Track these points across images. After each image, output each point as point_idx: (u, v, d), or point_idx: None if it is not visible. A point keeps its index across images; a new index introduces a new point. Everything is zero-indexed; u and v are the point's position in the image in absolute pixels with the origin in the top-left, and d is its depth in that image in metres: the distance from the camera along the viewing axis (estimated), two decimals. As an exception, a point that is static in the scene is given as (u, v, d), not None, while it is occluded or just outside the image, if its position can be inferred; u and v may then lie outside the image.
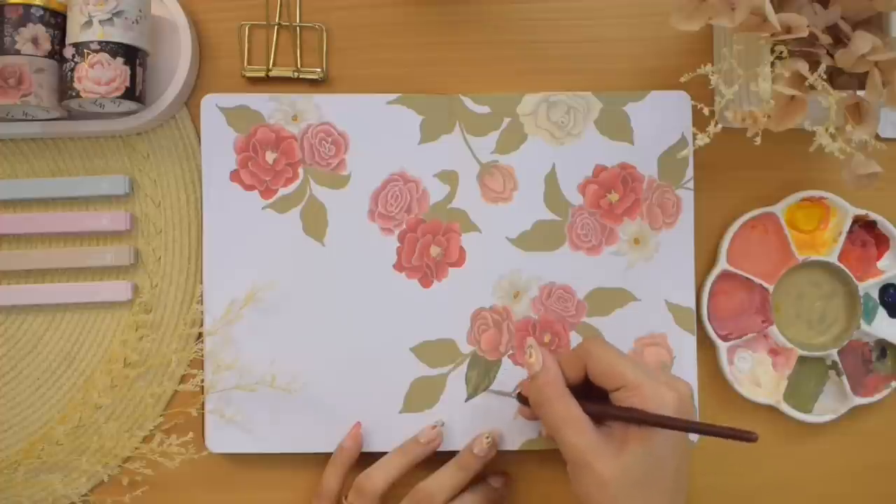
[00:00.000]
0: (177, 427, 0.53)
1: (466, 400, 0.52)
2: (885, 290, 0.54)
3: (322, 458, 0.52)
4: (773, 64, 0.44)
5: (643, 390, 0.43)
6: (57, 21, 0.49)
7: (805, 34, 0.42)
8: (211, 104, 0.52)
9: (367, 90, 0.54)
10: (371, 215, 0.53)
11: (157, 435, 0.52)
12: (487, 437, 0.50)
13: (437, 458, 0.51)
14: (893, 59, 0.42)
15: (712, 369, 0.54)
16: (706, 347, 0.53)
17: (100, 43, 0.47)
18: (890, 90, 0.42)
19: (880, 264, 0.54)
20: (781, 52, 0.44)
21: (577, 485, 0.44)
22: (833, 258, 0.53)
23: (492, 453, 0.50)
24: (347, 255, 0.52)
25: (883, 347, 0.55)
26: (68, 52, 0.48)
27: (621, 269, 0.53)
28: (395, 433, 0.52)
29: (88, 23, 0.47)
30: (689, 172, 0.53)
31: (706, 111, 0.45)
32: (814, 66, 0.43)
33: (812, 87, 0.43)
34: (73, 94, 0.47)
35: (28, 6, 0.48)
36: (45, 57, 0.48)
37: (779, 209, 0.53)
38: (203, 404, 0.52)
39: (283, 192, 0.53)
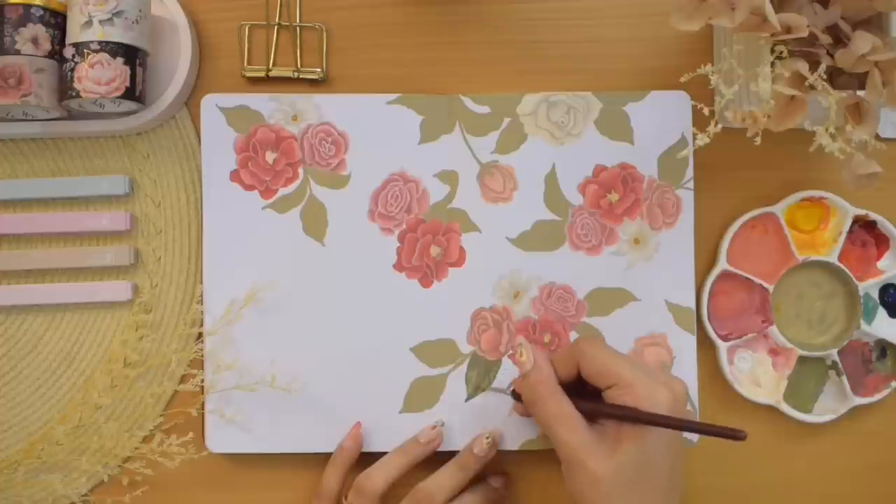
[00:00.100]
0: (177, 427, 0.53)
1: (466, 400, 0.52)
2: (885, 290, 0.54)
3: (322, 458, 0.52)
4: (773, 64, 0.44)
5: (636, 388, 0.43)
6: (57, 21, 0.49)
7: (805, 34, 0.42)
8: (211, 104, 0.52)
9: (367, 90, 0.54)
10: (371, 215, 0.53)
11: (157, 435, 0.52)
12: (487, 438, 0.50)
13: (437, 458, 0.51)
14: (893, 59, 0.42)
15: (712, 369, 0.54)
16: (706, 347, 0.53)
17: (100, 43, 0.47)
18: (890, 90, 0.42)
19: (880, 264, 0.54)
20: (781, 52, 0.44)
21: (570, 483, 0.44)
22: (833, 258, 0.53)
23: (492, 453, 0.50)
24: (347, 255, 0.52)
25: (883, 347, 0.55)
26: (68, 52, 0.48)
27: (621, 269, 0.53)
28: (395, 433, 0.52)
29: (88, 23, 0.47)
30: (689, 172, 0.53)
31: (706, 111, 0.45)
32: (814, 66, 0.43)
33: (812, 87, 0.43)
34: (73, 94, 0.47)
35: (28, 6, 0.48)
36: (45, 57, 0.48)
37: (779, 209, 0.53)
38: (203, 404, 0.52)
39: (283, 192, 0.53)
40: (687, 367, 0.53)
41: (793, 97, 0.43)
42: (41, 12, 0.48)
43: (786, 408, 0.53)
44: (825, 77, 0.43)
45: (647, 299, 0.53)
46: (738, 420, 0.54)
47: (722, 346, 0.53)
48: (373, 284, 0.52)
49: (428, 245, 0.53)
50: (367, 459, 0.51)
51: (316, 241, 0.53)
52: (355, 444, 0.51)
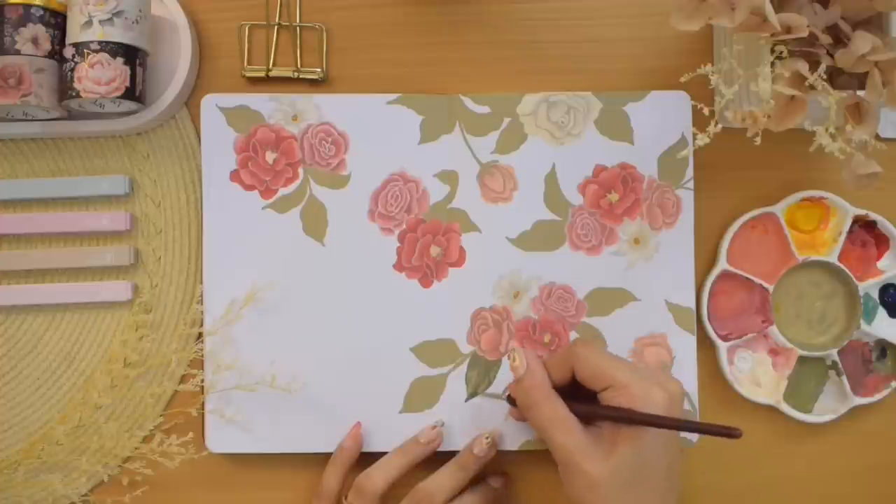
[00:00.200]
0: (177, 427, 0.53)
1: (466, 400, 0.52)
2: (885, 290, 0.54)
3: (322, 458, 0.52)
4: (773, 64, 0.44)
5: (631, 389, 0.43)
6: (57, 21, 0.49)
7: (805, 34, 0.42)
8: (211, 104, 0.52)
9: (367, 90, 0.54)
10: (371, 215, 0.53)
11: (157, 435, 0.52)
12: (487, 438, 0.50)
13: (437, 459, 0.51)
14: (893, 59, 0.42)
15: (712, 369, 0.54)
16: (706, 347, 0.53)
17: (100, 43, 0.47)
18: (890, 90, 0.42)
19: (880, 264, 0.54)
20: (781, 52, 0.44)
21: (567, 486, 0.44)
22: (833, 258, 0.53)
23: (491, 454, 0.50)
24: (347, 255, 0.52)
25: (883, 347, 0.55)
26: (68, 52, 0.48)
27: (621, 269, 0.53)
28: (395, 433, 0.52)
29: (88, 23, 0.47)
30: (689, 172, 0.53)
31: (706, 111, 0.45)
32: (814, 66, 0.43)
33: (812, 87, 0.43)
34: (73, 94, 0.47)
35: (28, 6, 0.48)
36: (45, 57, 0.48)
37: (779, 209, 0.53)
38: (203, 404, 0.52)
39: (283, 192, 0.53)
40: (687, 367, 0.53)
41: (793, 97, 0.43)
42: (41, 12, 0.48)
43: (786, 408, 0.53)
44: (825, 77, 0.43)
45: (647, 299, 0.53)
46: (738, 420, 0.54)
47: (722, 346, 0.53)
48: (373, 284, 0.52)
49: (428, 245, 0.53)
50: (367, 459, 0.51)
51: (316, 241, 0.53)
52: (355, 444, 0.51)
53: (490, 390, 0.52)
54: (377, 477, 0.49)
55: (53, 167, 0.54)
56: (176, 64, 0.52)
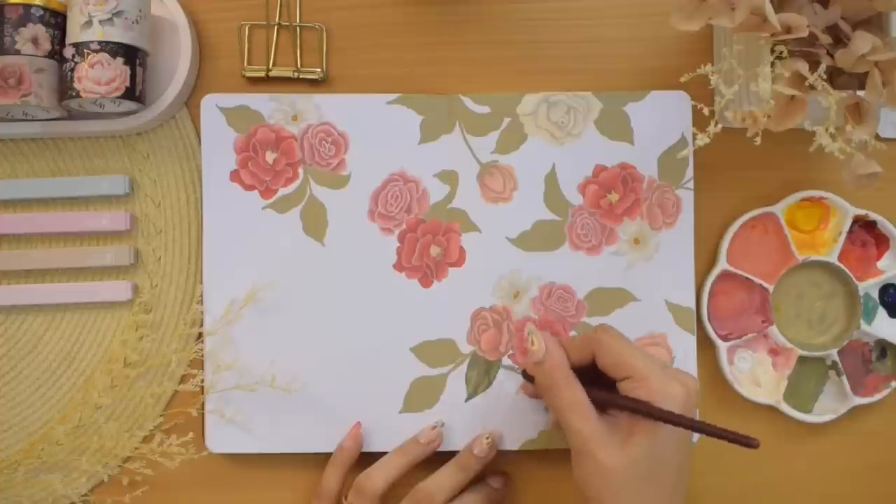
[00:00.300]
0: (177, 427, 0.53)
1: (466, 400, 0.52)
2: (885, 290, 0.54)
3: (322, 458, 0.52)
4: (773, 64, 0.44)
5: (650, 382, 0.43)
6: (57, 21, 0.49)
7: (805, 34, 0.42)
8: (211, 104, 0.52)
9: (367, 90, 0.54)
10: (371, 215, 0.53)
11: (157, 435, 0.52)
12: (487, 438, 0.50)
13: (437, 459, 0.51)
14: (893, 59, 0.42)
15: (712, 369, 0.54)
16: (706, 347, 0.53)
17: (100, 43, 0.47)
18: (890, 90, 0.42)
19: (880, 264, 0.54)
20: (781, 52, 0.44)
21: (578, 471, 0.44)
22: (833, 258, 0.53)
23: (492, 454, 0.50)
24: (347, 255, 0.52)
25: (883, 347, 0.55)
26: (68, 52, 0.48)
27: (621, 269, 0.53)
28: (395, 433, 0.52)
29: (88, 23, 0.47)
30: (689, 172, 0.53)
31: (706, 111, 0.45)
32: (814, 66, 0.43)
33: (812, 87, 0.43)
34: (73, 94, 0.47)
35: (28, 6, 0.48)
36: (45, 57, 0.48)
37: (779, 209, 0.53)
38: (203, 404, 0.52)
39: (283, 192, 0.53)
40: (687, 368, 0.53)
41: (793, 97, 0.43)
42: (41, 12, 0.48)
43: (786, 408, 0.53)
44: (825, 77, 0.43)
45: (647, 299, 0.53)
46: (738, 420, 0.54)
47: (722, 346, 0.53)
48: (373, 284, 0.52)
49: (428, 245, 0.53)
50: (367, 459, 0.51)
51: (316, 241, 0.53)
52: (355, 444, 0.51)
53: (489, 390, 0.52)
54: (377, 477, 0.49)
55: (53, 167, 0.54)
56: (176, 64, 0.52)
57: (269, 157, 0.53)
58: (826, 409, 0.54)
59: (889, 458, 0.55)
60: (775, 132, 0.44)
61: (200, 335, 0.53)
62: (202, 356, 0.52)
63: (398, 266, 0.53)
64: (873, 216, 0.53)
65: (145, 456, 0.52)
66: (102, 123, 0.52)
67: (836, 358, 0.53)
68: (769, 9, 0.41)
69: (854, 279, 0.53)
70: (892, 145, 0.52)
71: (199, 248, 0.53)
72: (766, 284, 0.53)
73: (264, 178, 0.52)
